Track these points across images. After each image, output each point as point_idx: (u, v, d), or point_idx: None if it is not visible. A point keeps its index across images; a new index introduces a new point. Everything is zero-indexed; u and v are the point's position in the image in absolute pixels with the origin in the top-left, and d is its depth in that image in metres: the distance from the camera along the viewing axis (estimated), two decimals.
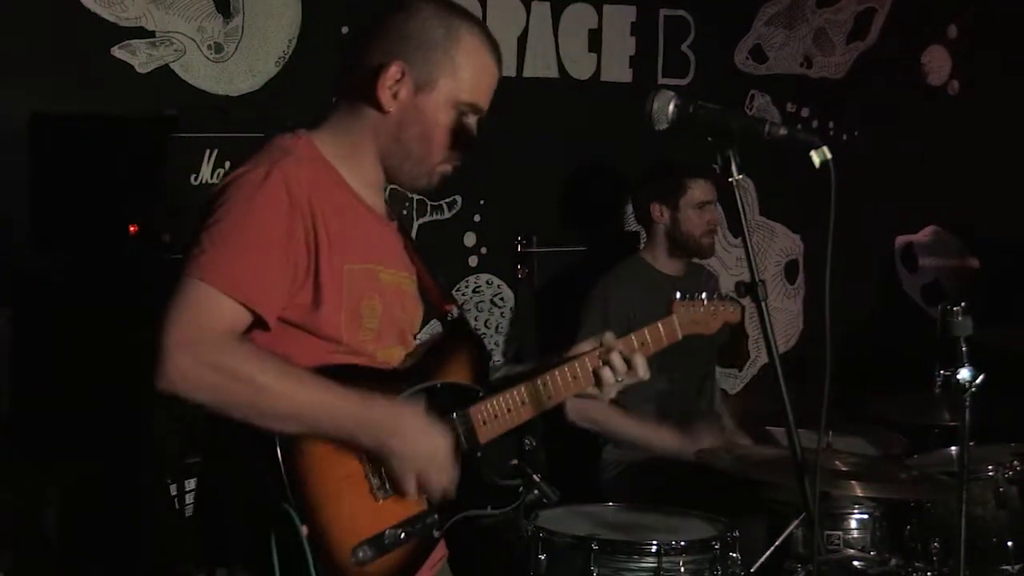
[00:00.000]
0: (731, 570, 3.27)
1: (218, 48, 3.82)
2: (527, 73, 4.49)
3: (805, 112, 5.25)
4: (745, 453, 3.75)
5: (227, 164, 3.35)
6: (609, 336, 2.57)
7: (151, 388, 2.07)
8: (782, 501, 3.70)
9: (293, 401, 2.12)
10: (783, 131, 2.18)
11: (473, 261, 4.46)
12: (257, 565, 2.13)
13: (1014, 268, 5.44)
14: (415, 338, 2.46)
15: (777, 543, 3.49)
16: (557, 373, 2.50)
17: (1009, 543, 3.71)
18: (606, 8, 4.66)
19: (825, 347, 2.21)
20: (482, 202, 4.42)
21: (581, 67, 4.64)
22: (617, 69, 4.72)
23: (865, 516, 3.69)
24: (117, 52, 3.62)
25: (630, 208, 4.63)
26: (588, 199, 4.73)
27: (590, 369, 2.53)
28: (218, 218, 2.14)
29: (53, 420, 3.25)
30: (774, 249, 5.28)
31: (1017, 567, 3.67)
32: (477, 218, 4.42)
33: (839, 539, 3.67)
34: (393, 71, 2.27)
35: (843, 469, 3.53)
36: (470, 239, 4.44)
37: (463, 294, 4.46)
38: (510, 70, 4.44)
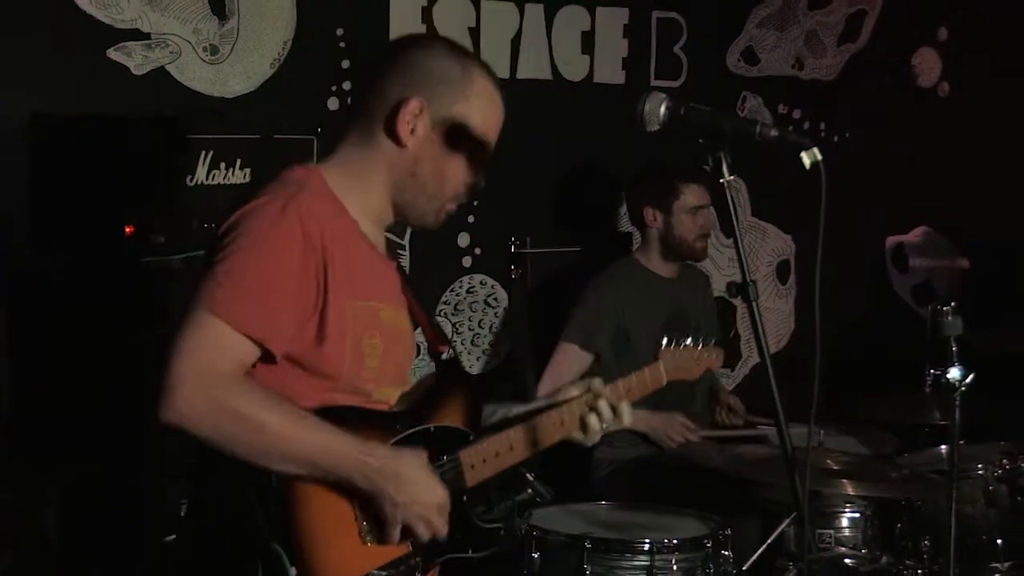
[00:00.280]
0: (723, 568, 3.29)
1: (213, 50, 3.83)
2: (520, 75, 4.51)
3: (797, 114, 5.27)
4: (738, 452, 3.78)
5: (222, 165, 3.36)
6: (597, 383, 2.60)
7: (155, 412, 2.06)
8: (776, 500, 3.72)
9: (294, 443, 2.12)
10: (774, 132, 2.19)
11: (467, 262, 4.48)
12: None
13: (1003, 269, 5.46)
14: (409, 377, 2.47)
15: (769, 541, 3.51)
16: (545, 419, 2.52)
17: (998, 541, 3.73)
18: (599, 10, 4.68)
19: (815, 347, 2.23)
20: (476, 203, 4.43)
21: (574, 69, 4.65)
22: (610, 71, 4.74)
23: (856, 515, 3.71)
24: (113, 54, 3.64)
25: (623, 209, 4.66)
26: (581, 200, 4.75)
27: (577, 415, 2.55)
28: (233, 251, 2.13)
29: (52, 420, 3.25)
30: (766, 250, 5.30)
31: (1006, 565, 3.69)
32: (471, 219, 4.44)
33: (831, 537, 3.69)
34: (413, 106, 2.28)
35: (834, 468, 3.55)
36: (464, 240, 4.46)
37: (457, 294, 4.48)
38: (503, 72, 4.46)
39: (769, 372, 2.22)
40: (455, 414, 2.43)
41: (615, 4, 4.72)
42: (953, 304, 3.31)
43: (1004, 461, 3.79)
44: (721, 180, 2.21)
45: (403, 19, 4.21)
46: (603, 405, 2.55)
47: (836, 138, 5.32)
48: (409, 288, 2.50)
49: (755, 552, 3.50)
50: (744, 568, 3.42)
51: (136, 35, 3.67)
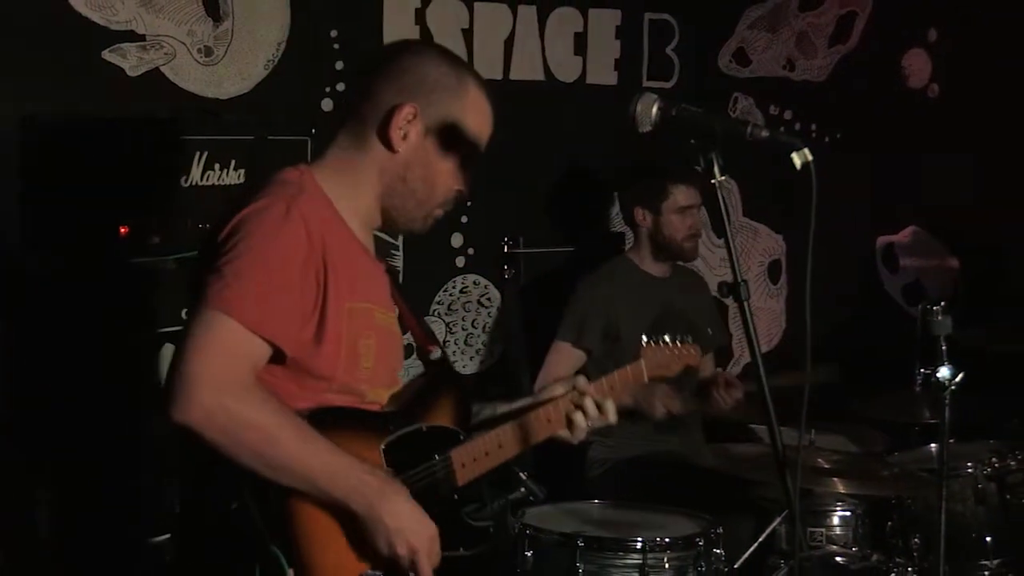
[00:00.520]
0: (715, 566, 3.30)
1: (208, 51, 3.84)
2: (514, 76, 4.52)
3: (788, 114, 5.28)
4: (729, 451, 3.79)
5: (216, 166, 3.38)
6: (581, 381, 2.63)
7: (166, 411, 2.08)
8: (770, 499, 3.73)
9: (300, 460, 2.14)
10: (765, 133, 2.21)
11: (460, 262, 4.49)
12: None
13: (992, 269, 5.49)
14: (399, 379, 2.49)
15: (760, 539, 3.53)
16: (532, 417, 2.55)
17: (988, 539, 3.75)
18: (591, 12, 4.69)
19: (806, 346, 2.24)
20: (469, 204, 4.45)
21: (567, 70, 4.67)
22: (602, 72, 4.75)
23: (847, 513, 3.73)
24: (108, 55, 3.64)
25: (616, 209, 4.68)
26: (574, 200, 4.76)
27: (563, 413, 2.59)
28: (241, 252, 2.14)
29: (45, 420, 3.26)
30: (757, 249, 5.31)
31: (995, 562, 3.70)
32: (464, 219, 4.45)
33: (822, 535, 3.71)
34: (407, 112, 2.30)
35: (826, 467, 3.57)
36: (457, 240, 4.47)
37: (450, 294, 4.49)
38: (497, 73, 4.48)
39: (760, 371, 2.24)
40: (446, 413, 2.45)
41: (607, 6, 4.74)
42: (943, 304, 3.34)
43: (993, 459, 3.81)
44: (712, 180, 2.23)
45: (396, 21, 4.23)
46: (589, 403, 2.59)
47: (827, 139, 5.34)
48: (398, 290, 2.52)
49: (747, 550, 3.52)
50: (736, 566, 3.44)
51: (131, 36, 3.68)
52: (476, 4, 4.41)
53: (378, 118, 2.32)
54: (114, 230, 3.24)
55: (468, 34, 4.40)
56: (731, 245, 2.26)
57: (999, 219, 5.44)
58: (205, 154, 3.35)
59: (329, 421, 2.21)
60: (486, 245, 4.44)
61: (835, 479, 3.56)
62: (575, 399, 2.59)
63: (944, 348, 3.29)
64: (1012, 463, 3.83)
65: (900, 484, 3.68)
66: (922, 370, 3.42)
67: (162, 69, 3.75)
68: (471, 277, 4.53)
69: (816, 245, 2.18)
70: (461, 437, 2.45)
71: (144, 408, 3.18)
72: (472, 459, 2.44)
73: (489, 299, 4.57)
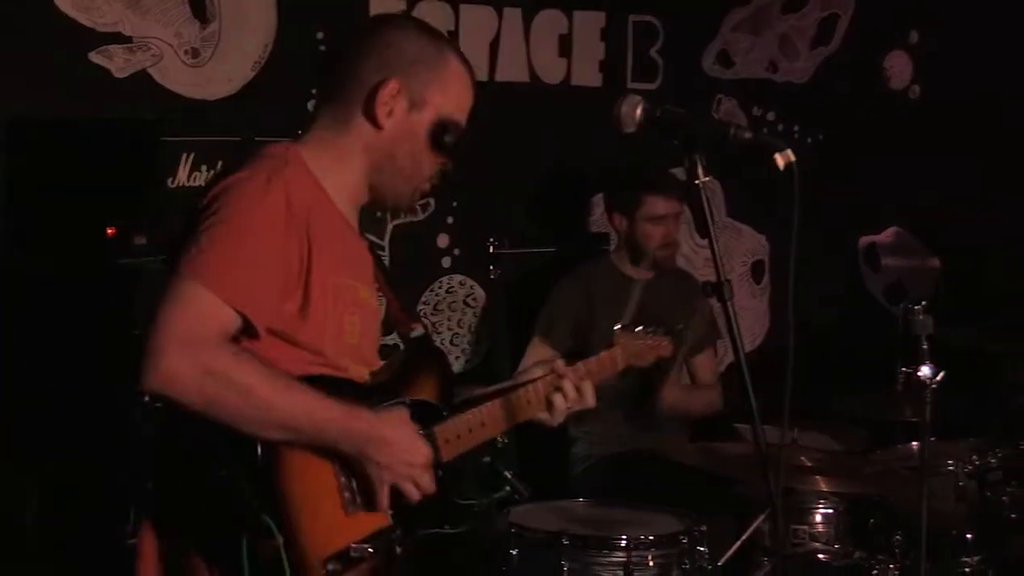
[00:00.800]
0: (699, 564, 3.32)
1: (195, 53, 3.86)
2: (499, 78, 4.54)
3: (771, 116, 5.31)
4: (713, 449, 3.82)
5: (203, 167, 3.40)
6: (559, 364, 2.65)
7: (136, 385, 2.06)
8: (751, 497, 3.75)
9: (281, 408, 2.12)
10: (748, 134, 2.21)
11: (446, 262, 4.51)
12: (226, 573, 2.12)
13: (973, 268, 5.53)
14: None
15: (744, 537, 3.53)
16: (513, 397, 2.56)
17: (968, 536, 3.75)
18: (576, 14, 4.72)
19: (789, 346, 2.26)
20: (455, 204, 4.47)
21: (552, 72, 4.69)
22: (587, 74, 4.78)
23: (830, 511, 3.74)
24: (95, 57, 3.66)
25: (600, 210, 4.70)
26: (559, 201, 4.79)
27: (543, 395, 2.60)
28: (218, 220, 2.12)
29: (34, 420, 3.27)
30: (741, 249, 5.34)
31: (976, 559, 3.72)
32: (450, 220, 4.47)
33: (805, 533, 3.72)
34: (391, 87, 2.29)
35: (808, 465, 3.60)
36: (443, 240, 4.49)
37: (436, 294, 4.51)
38: (482, 75, 4.49)
39: (744, 370, 2.24)
40: (429, 389, 2.44)
41: (592, 8, 4.76)
42: (924, 303, 3.37)
43: (974, 457, 3.82)
44: (696, 181, 2.23)
45: None
46: (568, 385, 2.60)
47: (809, 139, 5.37)
48: (381, 268, 2.51)
49: (730, 548, 3.54)
50: (719, 564, 3.45)
51: (118, 38, 3.69)
52: (462, 6, 4.43)
53: (362, 94, 2.30)
54: (101, 231, 3.25)
55: (454, 36, 4.41)
56: (714, 245, 2.26)
57: (981, 219, 5.48)
58: (192, 155, 3.38)
59: (317, 388, 2.18)
60: (472, 246, 4.46)
61: (818, 477, 3.59)
62: (554, 381, 2.61)
63: (925, 347, 3.33)
64: (992, 461, 3.84)
65: (882, 482, 3.70)
66: (904, 369, 3.43)
67: (149, 71, 3.76)
68: (457, 277, 4.55)
69: (799, 245, 2.19)
70: (444, 413, 2.45)
71: (132, 408, 3.20)
72: (456, 435, 2.44)
73: (475, 299, 4.59)
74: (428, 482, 2.30)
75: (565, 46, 4.71)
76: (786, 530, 3.64)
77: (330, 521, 2.22)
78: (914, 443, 3.78)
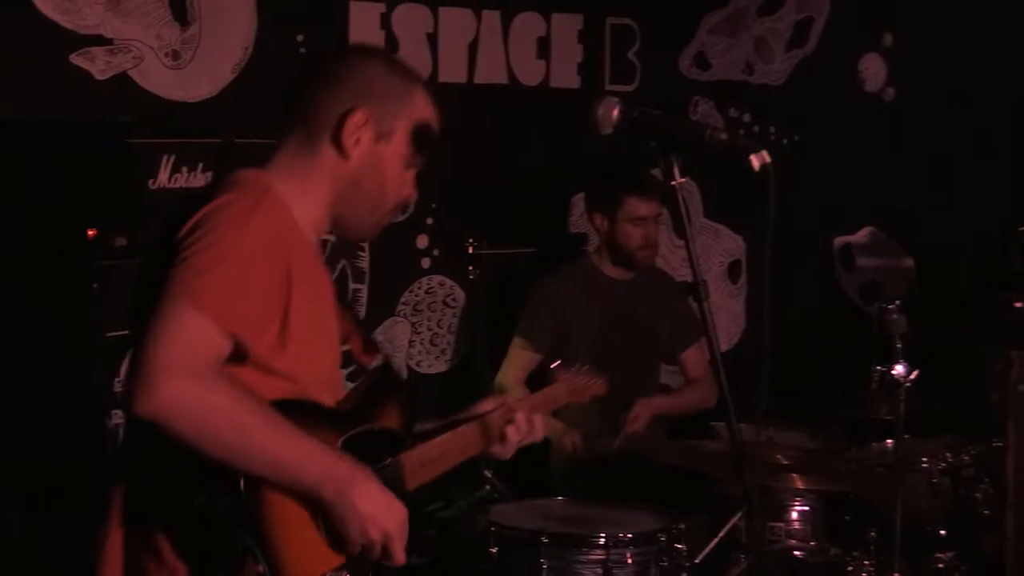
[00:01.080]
0: (676, 561, 3.35)
1: (175, 55, 3.87)
2: (478, 80, 4.56)
3: (747, 117, 5.34)
4: (691, 447, 3.85)
5: (184, 169, 3.41)
6: (511, 398, 2.70)
7: (127, 408, 2.02)
8: (728, 494, 3.77)
9: (271, 446, 2.09)
10: (724, 136, 2.23)
11: (426, 263, 4.53)
12: None
13: (946, 268, 5.58)
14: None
15: (721, 535, 3.56)
16: (468, 429, 2.58)
17: (942, 532, 3.80)
18: (555, 17, 4.74)
19: (764, 345, 2.28)
20: (434, 205, 4.50)
21: (530, 74, 4.72)
22: (565, 76, 4.80)
23: (806, 508, 3.76)
24: (76, 59, 3.66)
25: (579, 211, 4.73)
26: (538, 202, 4.81)
27: (496, 427, 2.62)
28: (206, 245, 2.09)
29: (13, 421, 3.27)
30: (718, 250, 5.37)
31: (949, 555, 3.76)
32: (429, 221, 4.50)
33: (781, 530, 3.74)
34: (359, 117, 2.28)
35: (784, 463, 3.64)
36: (423, 241, 4.52)
37: (416, 295, 4.53)
38: (461, 77, 4.53)
39: (720, 369, 2.26)
40: (393, 417, 2.44)
41: (570, 10, 4.79)
42: (898, 303, 3.41)
43: (948, 455, 3.87)
44: (672, 182, 2.25)
45: (362, 25, 4.26)
46: (520, 418, 2.62)
47: (785, 141, 5.40)
48: (340, 297, 2.50)
49: (707, 545, 3.57)
50: (697, 561, 3.47)
51: (99, 40, 3.69)
52: (441, 9, 4.45)
53: (329, 124, 2.29)
54: (82, 232, 3.26)
55: (433, 38, 4.44)
56: (691, 246, 2.28)
57: (952, 219, 5.53)
58: (172, 158, 3.39)
59: (289, 413, 2.16)
60: (451, 246, 4.48)
61: (794, 475, 3.63)
62: (506, 414, 2.63)
63: (899, 346, 3.37)
64: (966, 458, 3.89)
65: (857, 479, 3.74)
66: (878, 368, 3.47)
67: (130, 73, 3.77)
68: (437, 278, 4.57)
69: (775, 245, 2.21)
70: (408, 441, 2.45)
71: (111, 408, 3.21)
72: (420, 464, 2.45)
73: (454, 299, 4.62)
74: (400, 550, 2.25)
75: (543, 48, 4.74)
76: (762, 527, 3.65)
77: (308, 547, 2.20)
78: (888, 441, 3.81)
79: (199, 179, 3.54)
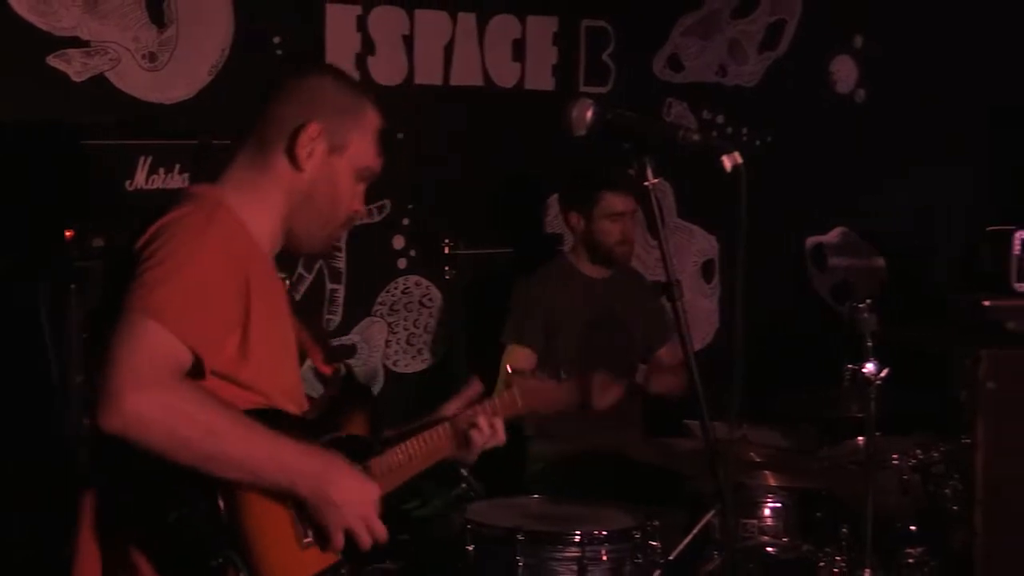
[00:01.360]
0: (651, 558, 3.38)
1: (152, 57, 3.87)
2: (453, 81, 4.58)
3: (720, 118, 5.37)
4: (665, 445, 3.88)
5: (161, 171, 3.42)
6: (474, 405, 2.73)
7: (95, 423, 2.01)
8: (703, 492, 3.80)
9: (244, 448, 2.11)
10: (696, 137, 2.26)
11: (402, 263, 4.55)
12: None
13: (917, 268, 5.62)
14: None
15: (694, 532, 3.56)
16: (434, 434, 2.62)
17: (912, 528, 3.83)
18: (530, 19, 4.76)
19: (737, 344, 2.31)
20: (410, 206, 4.52)
21: (505, 76, 4.73)
22: (540, 78, 4.82)
23: (779, 505, 3.78)
24: (52, 61, 3.67)
25: (554, 211, 4.76)
26: (513, 203, 4.83)
27: (461, 431, 2.65)
28: (164, 257, 2.10)
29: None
30: (692, 250, 5.40)
31: (920, 550, 3.79)
32: (405, 221, 4.52)
33: (754, 527, 3.76)
34: (312, 129, 2.30)
35: (757, 460, 3.67)
36: (399, 242, 4.53)
37: (392, 295, 4.55)
38: (437, 79, 4.55)
39: (693, 369, 2.28)
40: (359, 424, 2.47)
41: (545, 13, 4.81)
42: (869, 302, 3.46)
43: (918, 452, 3.89)
44: (646, 183, 2.27)
45: (338, 27, 4.28)
46: (483, 422, 2.66)
47: (757, 142, 5.43)
48: (297, 309, 2.52)
49: (681, 542, 3.59)
50: (671, 558, 3.48)
51: (75, 43, 3.70)
52: (417, 11, 4.47)
53: (283, 137, 2.31)
54: (59, 233, 3.26)
55: (409, 40, 4.46)
56: (664, 246, 2.31)
57: (923, 219, 5.57)
58: (149, 159, 3.39)
59: (259, 421, 2.18)
60: (427, 246, 4.50)
61: (767, 472, 3.67)
62: (469, 418, 2.66)
63: (870, 344, 3.42)
64: (936, 455, 3.91)
65: (829, 476, 3.78)
66: (849, 366, 3.51)
67: (107, 75, 3.78)
68: (413, 278, 4.58)
69: (747, 245, 2.23)
70: (375, 448, 2.48)
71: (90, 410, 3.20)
72: (388, 470, 2.48)
73: (431, 299, 4.64)
74: (380, 526, 2.29)
75: (519, 50, 4.76)
76: (736, 524, 3.67)
77: (286, 557, 2.22)
78: (860, 438, 3.83)
79: (176, 180, 3.55)
